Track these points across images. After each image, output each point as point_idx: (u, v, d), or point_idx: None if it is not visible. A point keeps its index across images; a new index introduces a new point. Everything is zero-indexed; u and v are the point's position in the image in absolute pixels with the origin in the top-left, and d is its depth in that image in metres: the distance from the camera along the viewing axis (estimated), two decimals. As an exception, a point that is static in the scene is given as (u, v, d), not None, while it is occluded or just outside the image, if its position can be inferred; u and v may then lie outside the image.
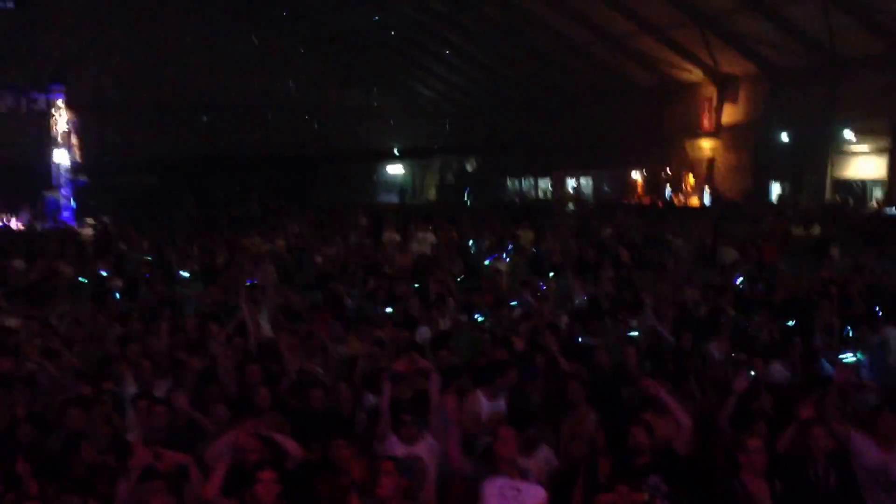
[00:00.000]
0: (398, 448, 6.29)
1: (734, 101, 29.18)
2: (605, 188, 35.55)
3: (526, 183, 40.42)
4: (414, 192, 44.39)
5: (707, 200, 29.77)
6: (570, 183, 37.72)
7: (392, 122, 43.34)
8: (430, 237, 20.57)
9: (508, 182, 41.13)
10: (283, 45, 40.08)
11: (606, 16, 29.11)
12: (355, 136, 41.41)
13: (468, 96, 42.88)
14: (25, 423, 7.05)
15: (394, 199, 41.80)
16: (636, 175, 33.64)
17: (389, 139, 42.40)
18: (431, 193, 44.63)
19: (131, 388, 8.12)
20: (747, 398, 6.72)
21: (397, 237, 21.42)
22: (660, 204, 30.90)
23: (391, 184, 44.66)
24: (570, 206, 34.02)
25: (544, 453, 6.46)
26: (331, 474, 6.02)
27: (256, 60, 38.80)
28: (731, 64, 28.25)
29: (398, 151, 42.53)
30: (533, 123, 36.54)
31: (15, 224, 28.80)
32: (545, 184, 39.00)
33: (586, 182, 36.95)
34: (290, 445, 6.33)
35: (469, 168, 43.35)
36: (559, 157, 35.34)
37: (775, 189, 28.47)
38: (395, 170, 45.39)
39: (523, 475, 5.84)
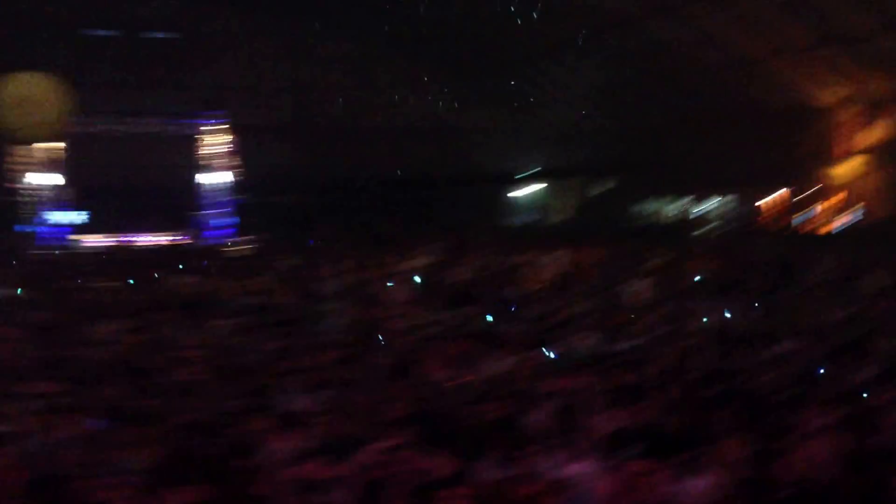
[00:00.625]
0: (557, 466, 6.31)
1: (878, 121, 28.19)
2: (743, 211, 34.79)
3: (661, 205, 39.90)
4: (548, 214, 44.43)
5: (850, 223, 28.83)
6: (706, 205, 37.07)
7: (527, 143, 43.52)
8: (566, 257, 20.55)
9: (644, 204, 40.67)
10: (424, 68, 40.95)
11: (741, 39, 28.65)
12: (491, 158, 41.81)
13: (603, 118, 42.64)
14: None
15: (528, 220, 42.02)
16: (774, 197, 32.82)
17: (525, 161, 42.65)
18: (567, 215, 44.53)
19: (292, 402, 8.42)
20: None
21: (534, 257, 21.42)
22: (799, 227, 30.09)
23: (526, 205, 44.83)
24: (707, 228, 33.44)
25: (714, 477, 6.22)
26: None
27: (398, 84, 39.85)
28: (874, 84, 27.31)
29: (533, 173, 42.72)
30: (669, 146, 36.11)
31: (178, 241, 30.66)
32: (681, 205, 38.44)
33: (722, 204, 36.24)
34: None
35: (604, 189, 43.14)
36: (695, 180, 34.78)
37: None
38: (530, 191, 45.52)
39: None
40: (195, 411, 7.92)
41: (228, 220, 32.40)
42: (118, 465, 6.47)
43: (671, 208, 38.94)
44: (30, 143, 29.63)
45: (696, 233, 33.08)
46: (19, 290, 16.97)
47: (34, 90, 18.77)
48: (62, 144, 30.61)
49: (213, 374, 9.33)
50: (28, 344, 11.14)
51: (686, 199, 37.70)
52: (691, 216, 36.88)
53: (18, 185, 31.03)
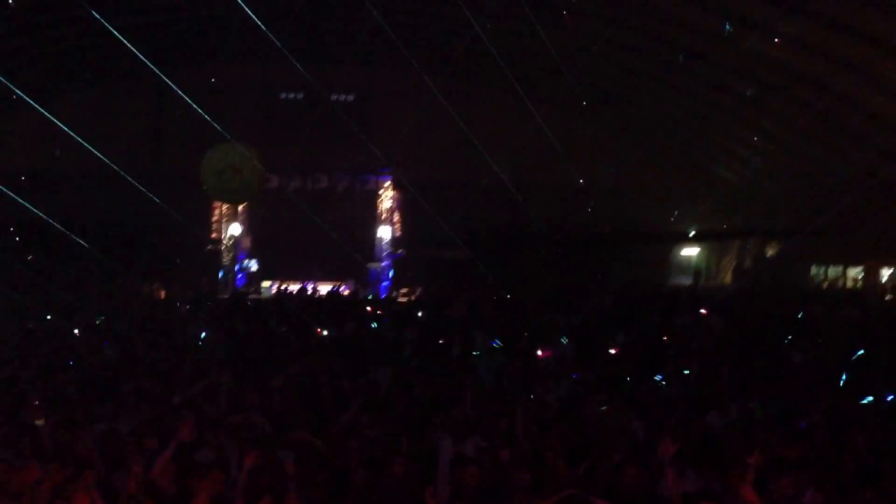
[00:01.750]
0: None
1: None
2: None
3: (833, 271, 38.30)
4: (709, 275, 43.46)
5: None
6: (886, 273, 35.35)
7: (689, 203, 42.87)
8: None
9: (813, 269, 39.16)
10: (585, 127, 41.14)
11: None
12: (652, 217, 41.35)
13: (772, 179, 41.55)
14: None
15: (687, 281, 41.20)
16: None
17: (686, 221, 41.95)
18: (727, 277, 43.43)
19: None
20: None
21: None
22: None
23: (686, 266, 44.00)
24: (888, 296, 31.89)
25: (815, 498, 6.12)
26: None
27: (557, 143, 40.06)
28: None
29: (694, 233, 41.95)
30: (845, 208, 34.70)
31: (343, 291, 32.20)
32: (856, 272, 36.81)
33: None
34: None
35: (770, 253, 41.84)
36: (874, 245, 33.26)
37: None
38: (691, 252, 44.70)
39: None
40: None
41: (392, 272, 33.69)
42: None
43: (851, 274, 37.34)
44: (231, 203, 31.96)
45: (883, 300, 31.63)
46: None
47: (235, 159, 20.58)
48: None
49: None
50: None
51: (865, 265, 36.08)
52: (869, 283, 35.23)
53: (218, 236, 33.67)
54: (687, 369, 13.79)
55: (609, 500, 6.77)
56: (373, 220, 34.69)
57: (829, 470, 7.63)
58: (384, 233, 34.42)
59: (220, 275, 34.21)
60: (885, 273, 35.25)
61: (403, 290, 32.47)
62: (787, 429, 9.62)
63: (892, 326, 20.58)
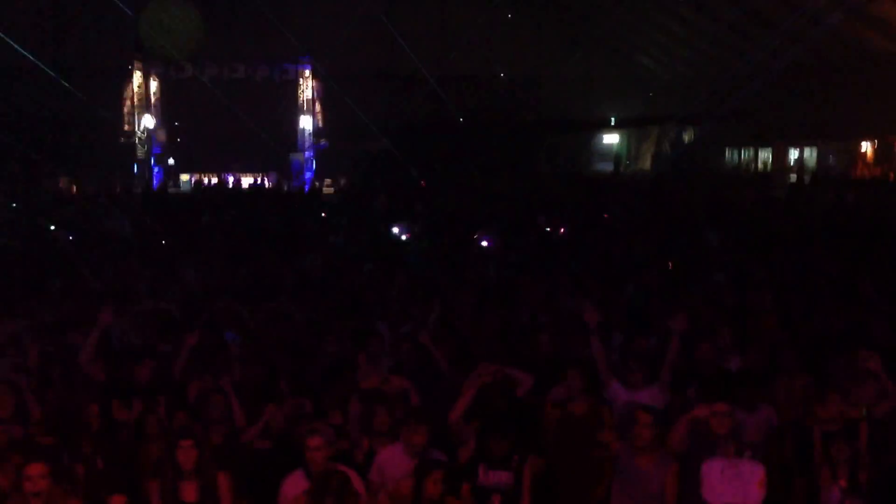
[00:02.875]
0: (622, 394, 6.60)
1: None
2: (831, 160, 34.00)
3: (746, 154, 39.24)
4: (629, 161, 44.12)
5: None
6: (793, 154, 36.32)
7: (610, 91, 43.10)
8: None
9: (727, 153, 40.05)
10: (505, 14, 40.71)
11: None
12: (573, 105, 41.53)
13: (689, 65, 41.94)
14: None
15: (609, 168, 41.76)
16: (866, 146, 31.93)
17: (607, 108, 42.25)
18: (647, 163, 44.16)
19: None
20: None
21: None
22: (891, 176, 29.28)
23: (607, 153, 44.52)
24: (792, 177, 32.83)
25: (765, 412, 6.51)
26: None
27: (479, 30, 39.67)
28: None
29: (615, 121, 42.31)
30: (756, 92, 35.29)
31: (265, 183, 31.81)
32: (766, 155, 37.76)
33: (810, 153, 35.44)
34: (522, 376, 6.83)
35: (686, 138, 42.55)
36: (783, 128, 34.04)
37: None
38: (611, 139, 45.18)
39: (739, 452, 5.80)
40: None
41: (315, 163, 33.36)
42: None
43: (757, 157, 38.29)
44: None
45: (787, 180, 32.55)
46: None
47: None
48: (157, 88, 31.95)
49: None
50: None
51: (773, 147, 37.00)
52: (781, 165, 36.23)
53: (131, 129, 32.69)
54: (610, 248, 14.19)
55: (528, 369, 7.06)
56: (293, 110, 33.93)
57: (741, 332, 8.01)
58: (305, 123, 33.77)
59: (135, 169, 33.29)
60: (793, 154, 36.23)
61: (328, 182, 32.16)
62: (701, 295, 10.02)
63: (797, 206, 21.34)
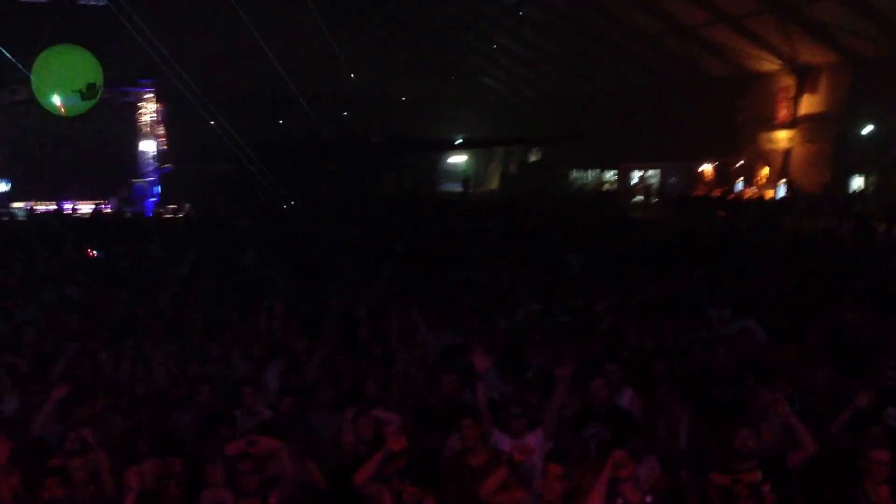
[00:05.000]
0: (504, 442, 6.32)
1: (813, 91, 28.56)
2: (673, 180, 35.24)
3: (592, 175, 40.23)
4: (477, 182, 44.54)
5: (782, 193, 29.33)
6: (637, 175, 37.47)
7: (456, 112, 43.46)
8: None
9: (575, 173, 40.97)
10: (352, 35, 40.44)
11: (679, 5, 28.77)
12: (420, 126, 41.61)
13: (534, 87, 42.84)
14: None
15: (456, 188, 42.02)
16: (706, 167, 33.26)
17: (453, 129, 42.54)
18: (494, 183, 44.72)
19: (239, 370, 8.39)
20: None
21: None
22: (730, 196, 30.56)
23: (454, 173, 44.84)
24: (637, 198, 33.79)
25: (650, 462, 6.19)
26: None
27: (325, 51, 39.25)
28: (811, 53, 27.73)
29: (462, 141, 42.64)
30: (600, 115, 36.30)
31: (105, 209, 30.26)
32: (611, 176, 38.82)
33: (654, 174, 36.64)
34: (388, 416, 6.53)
35: (532, 159, 43.33)
36: (626, 149, 35.08)
37: (855, 183, 27.82)
38: (459, 159, 45.57)
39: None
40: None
41: (159, 188, 32.08)
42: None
43: (606, 178, 39.28)
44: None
45: (633, 201, 33.42)
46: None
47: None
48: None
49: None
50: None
51: (618, 169, 38.05)
52: (626, 186, 37.25)
53: None
54: (470, 275, 13.98)
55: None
56: (134, 133, 32.54)
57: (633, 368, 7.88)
58: (148, 147, 32.44)
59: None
60: (635, 175, 37.38)
61: (171, 207, 30.90)
62: (577, 327, 9.89)
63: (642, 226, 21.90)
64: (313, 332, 9.71)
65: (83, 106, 10.74)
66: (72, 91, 10.45)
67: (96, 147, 31.26)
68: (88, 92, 10.57)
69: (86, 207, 30.53)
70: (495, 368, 7.80)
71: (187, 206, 30.19)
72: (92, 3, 31.71)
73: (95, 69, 10.93)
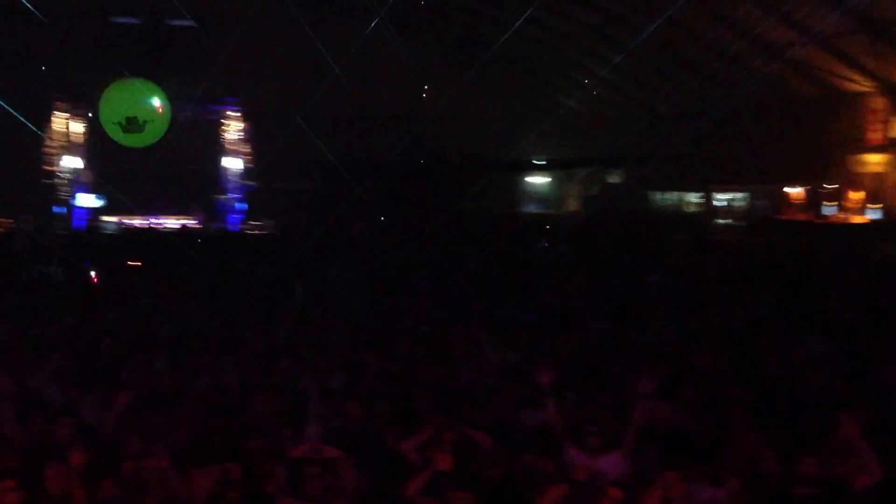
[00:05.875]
0: (580, 460, 6.16)
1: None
2: (759, 203, 34.49)
3: (675, 196, 39.67)
4: (556, 203, 44.33)
5: (873, 217, 28.40)
6: (722, 197, 36.80)
7: (537, 132, 43.31)
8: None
9: (657, 196, 40.45)
10: (432, 56, 40.84)
11: (766, 25, 28.19)
12: (500, 146, 41.59)
13: (615, 108, 42.46)
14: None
15: (536, 209, 41.92)
16: (794, 190, 32.44)
17: (534, 150, 42.41)
18: (575, 205, 44.41)
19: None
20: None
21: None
22: (817, 220, 29.75)
23: (534, 194, 44.71)
24: (723, 220, 33.19)
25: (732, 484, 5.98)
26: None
27: (407, 72, 39.65)
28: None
29: (542, 162, 42.51)
30: (684, 136, 35.68)
31: (191, 225, 31.10)
32: (695, 198, 38.21)
33: (739, 197, 35.93)
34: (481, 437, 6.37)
35: (614, 180, 42.93)
36: (712, 171, 34.45)
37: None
38: (539, 180, 45.41)
39: None
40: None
41: (242, 205, 32.81)
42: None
43: (690, 200, 38.69)
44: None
45: (716, 224, 32.86)
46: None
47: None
48: (83, 129, 31.19)
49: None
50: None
51: (702, 191, 37.45)
52: (711, 208, 36.64)
53: (52, 169, 31.74)
54: (543, 295, 13.89)
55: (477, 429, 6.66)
56: (220, 151, 33.44)
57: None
58: (232, 164, 33.27)
59: (56, 210, 32.25)
60: (721, 198, 36.70)
61: (255, 223, 31.61)
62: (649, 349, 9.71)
63: (726, 249, 21.46)
64: (383, 347, 9.76)
65: (128, 139, 10.94)
66: (112, 123, 10.71)
67: (184, 164, 32.12)
68: (129, 125, 10.75)
69: (173, 223, 31.37)
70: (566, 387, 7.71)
71: (270, 222, 30.84)
72: (183, 23, 32.67)
73: (137, 103, 11.09)
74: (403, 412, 7.40)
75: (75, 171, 32.35)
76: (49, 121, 32.71)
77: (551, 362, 7.41)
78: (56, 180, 32.45)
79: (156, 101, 11.29)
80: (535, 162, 42.31)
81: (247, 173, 33.47)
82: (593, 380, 8.19)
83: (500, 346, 9.53)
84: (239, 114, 33.15)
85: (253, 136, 33.37)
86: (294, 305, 13.36)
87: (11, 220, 29.85)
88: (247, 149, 33.39)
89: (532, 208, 42.35)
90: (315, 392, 7.81)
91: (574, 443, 6.28)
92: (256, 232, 30.52)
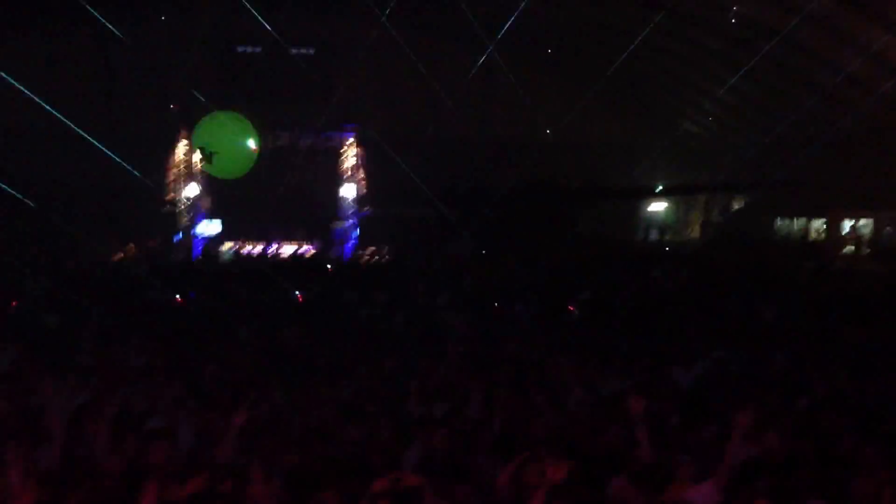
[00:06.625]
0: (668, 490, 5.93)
1: None
2: (888, 230, 33.08)
3: (798, 223, 38.43)
4: (676, 230, 43.49)
5: None
6: (848, 224, 35.47)
7: (657, 158, 42.65)
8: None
9: (779, 221, 39.26)
10: (549, 80, 40.73)
11: (885, 42, 27.16)
12: (620, 172, 41.10)
13: (738, 133, 41.46)
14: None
15: (654, 235, 41.24)
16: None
17: (653, 175, 41.73)
18: (695, 231, 43.47)
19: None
20: None
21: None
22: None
23: (653, 221, 43.95)
24: (848, 248, 31.95)
25: None
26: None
27: (522, 97, 39.61)
28: None
29: (661, 188, 41.77)
30: (809, 161, 34.56)
31: (307, 250, 31.77)
32: (819, 224, 36.94)
33: (867, 223, 34.54)
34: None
35: (736, 206, 41.87)
36: (837, 197, 33.23)
37: None
38: (658, 206, 44.61)
39: None
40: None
41: (356, 232, 33.28)
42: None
43: (812, 226, 37.46)
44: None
45: (840, 251, 31.66)
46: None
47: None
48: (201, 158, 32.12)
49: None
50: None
51: (828, 217, 36.18)
52: (835, 235, 35.36)
53: (174, 197, 32.94)
54: (652, 324, 13.55)
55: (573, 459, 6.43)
56: (336, 177, 34.08)
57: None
58: (348, 191, 33.86)
59: (177, 238, 33.39)
60: (847, 225, 35.41)
61: (370, 250, 32.03)
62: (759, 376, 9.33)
63: (852, 277, 20.60)
64: (488, 374, 9.63)
65: (208, 168, 11.27)
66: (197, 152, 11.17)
67: (300, 190, 32.85)
68: (203, 156, 11.08)
69: (289, 249, 32.03)
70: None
71: (385, 248, 31.18)
72: (303, 51, 33.47)
73: (206, 135, 11.38)
74: (506, 440, 7.24)
75: (195, 198, 33.43)
76: (173, 150, 33.96)
77: (654, 391, 7.16)
78: (177, 208, 33.60)
79: (228, 134, 11.60)
80: (652, 187, 41.57)
81: (361, 200, 33.96)
82: (696, 409, 7.89)
83: (610, 375, 9.32)
84: (354, 140, 33.71)
85: (367, 162, 33.87)
86: (397, 331, 13.37)
87: (136, 247, 31.00)
88: (362, 175, 33.90)
89: (650, 234, 41.62)
90: (415, 419, 7.77)
91: (665, 472, 6.04)
92: (369, 258, 30.91)
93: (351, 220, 33.84)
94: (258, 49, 34.93)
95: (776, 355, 10.28)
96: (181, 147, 34.01)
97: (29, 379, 9.59)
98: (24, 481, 6.17)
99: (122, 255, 30.71)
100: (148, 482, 6.07)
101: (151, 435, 7.38)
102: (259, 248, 32.37)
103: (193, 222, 33.43)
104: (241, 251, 32.15)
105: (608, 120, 41.95)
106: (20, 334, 12.87)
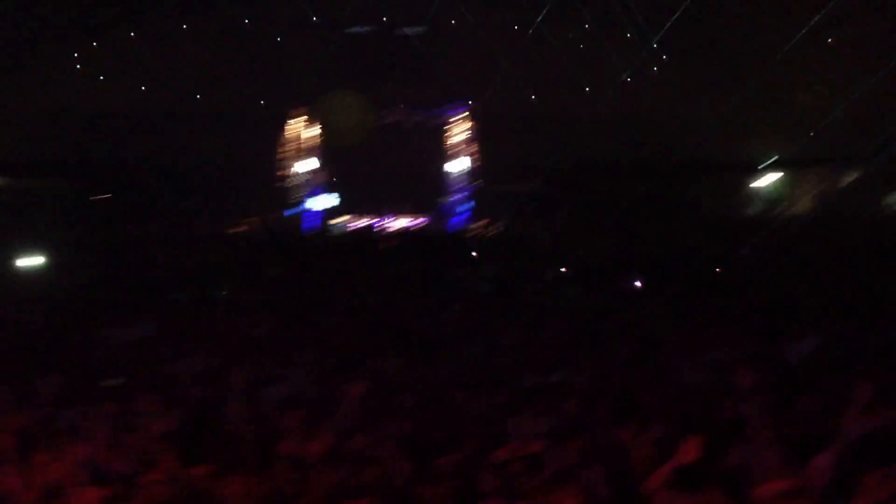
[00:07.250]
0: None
1: None
2: None
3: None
4: (786, 204, 42.55)
5: None
6: None
7: (767, 132, 41.79)
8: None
9: (889, 196, 38.06)
10: (659, 57, 40.23)
11: None
12: (729, 147, 40.47)
13: (852, 104, 40.26)
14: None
15: (765, 210, 40.45)
16: None
17: (763, 149, 40.95)
18: (805, 206, 42.47)
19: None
20: None
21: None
22: None
23: (763, 195, 43.09)
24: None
25: None
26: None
27: (635, 73, 39.37)
28: None
29: (771, 162, 40.93)
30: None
31: (419, 224, 32.54)
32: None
33: None
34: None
35: (845, 181, 40.75)
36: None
37: None
38: (767, 181, 43.68)
39: None
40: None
41: (468, 205, 33.84)
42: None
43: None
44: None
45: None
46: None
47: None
48: (318, 132, 33.29)
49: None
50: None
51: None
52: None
53: (286, 172, 34.03)
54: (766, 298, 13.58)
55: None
56: (447, 153, 34.73)
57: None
58: (458, 165, 34.44)
59: (289, 212, 34.33)
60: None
61: (481, 224, 32.75)
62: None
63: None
64: (600, 346, 9.87)
65: None
66: None
67: (412, 166, 33.50)
68: None
69: (401, 222, 32.81)
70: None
71: (497, 222, 31.69)
72: (412, 31, 34.02)
73: None
74: (625, 409, 7.42)
75: (309, 173, 34.45)
76: (285, 127, 34.94)
77: (765, 363, 7.29)
78: (290, 183, 34.60)
79: None
80: (761, 162, 40.81)
81: (473, 174, 34.45)
82: (812, 383, 7.98)
83: (718, 346, 9.44)
84: (464, 116, 34.17)
85: (479, 137, 34.26)
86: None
87: (259, 219, 32.10)
88: (473, 149, 34.38)
89: (758, 209, 40.78)
90: (532, 387, 8.04)
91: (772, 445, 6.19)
92: (480, 233, 31.43)
93: (463, 194, 34.47)
94: (368, 29, 35.51)
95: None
96: (295, 125, 35.02)
97: (165, 348, 10.25)
98: (159, 442, 6.69)
99: (245, 227, 31.87)
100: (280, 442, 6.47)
101: (278, 402, 7.85)
102: (372, 221, 33.26)
103: (308, 197, 34.41)
104: (353, 224, 33.04)
105: (715, 94, 41.20)
106: (156, 308, 13.64)
